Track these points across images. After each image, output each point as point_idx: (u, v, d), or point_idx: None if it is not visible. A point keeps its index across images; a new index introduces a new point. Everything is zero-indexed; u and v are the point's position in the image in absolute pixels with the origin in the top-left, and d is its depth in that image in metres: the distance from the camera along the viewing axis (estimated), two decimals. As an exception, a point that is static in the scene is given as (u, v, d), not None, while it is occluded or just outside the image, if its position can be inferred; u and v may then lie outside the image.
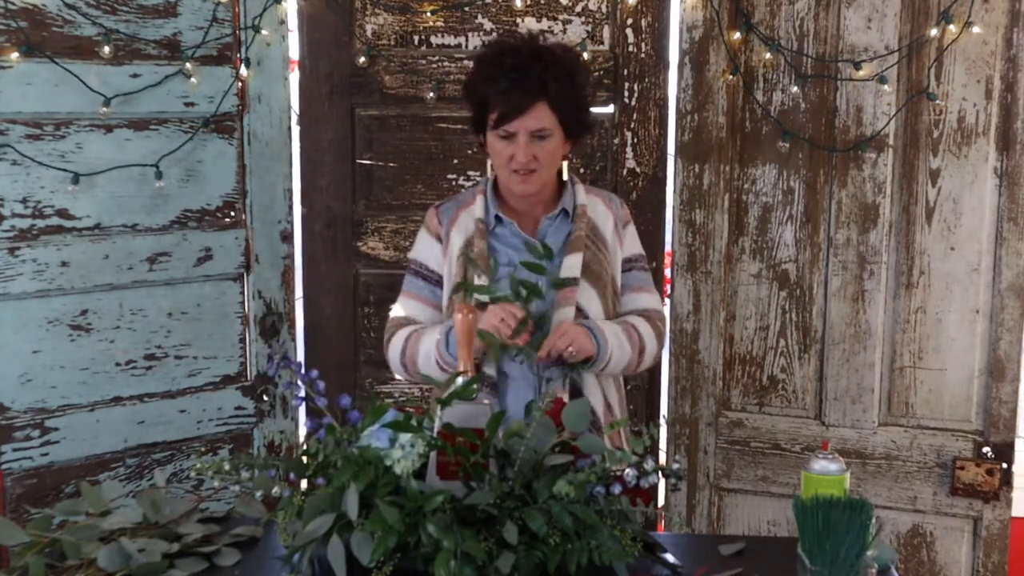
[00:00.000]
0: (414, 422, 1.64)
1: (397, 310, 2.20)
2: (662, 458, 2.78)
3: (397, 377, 2.31)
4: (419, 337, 2.10)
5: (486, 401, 1.71)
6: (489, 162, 2.13)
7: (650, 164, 2.73)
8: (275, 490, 1.69)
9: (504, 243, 2.11)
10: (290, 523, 1.64)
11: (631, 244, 2.22)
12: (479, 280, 2.02)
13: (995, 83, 2.45)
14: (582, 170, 2.75)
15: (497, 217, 2.13)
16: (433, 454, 1.63)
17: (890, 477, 2.60)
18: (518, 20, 2.71)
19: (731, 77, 2.60)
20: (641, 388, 2.78)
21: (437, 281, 2.15)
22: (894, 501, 2.61)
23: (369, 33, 2.74)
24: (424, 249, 2.17)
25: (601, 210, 2.18)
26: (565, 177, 2.16)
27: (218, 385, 2.68)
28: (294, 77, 2.77)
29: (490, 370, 2.03)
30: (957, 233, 2.52)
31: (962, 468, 2.54)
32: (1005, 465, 2.51)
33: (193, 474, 2.63)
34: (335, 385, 2.48)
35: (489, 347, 1.95)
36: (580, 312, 2.05)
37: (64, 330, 2.46)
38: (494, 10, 2.72)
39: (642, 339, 2.09)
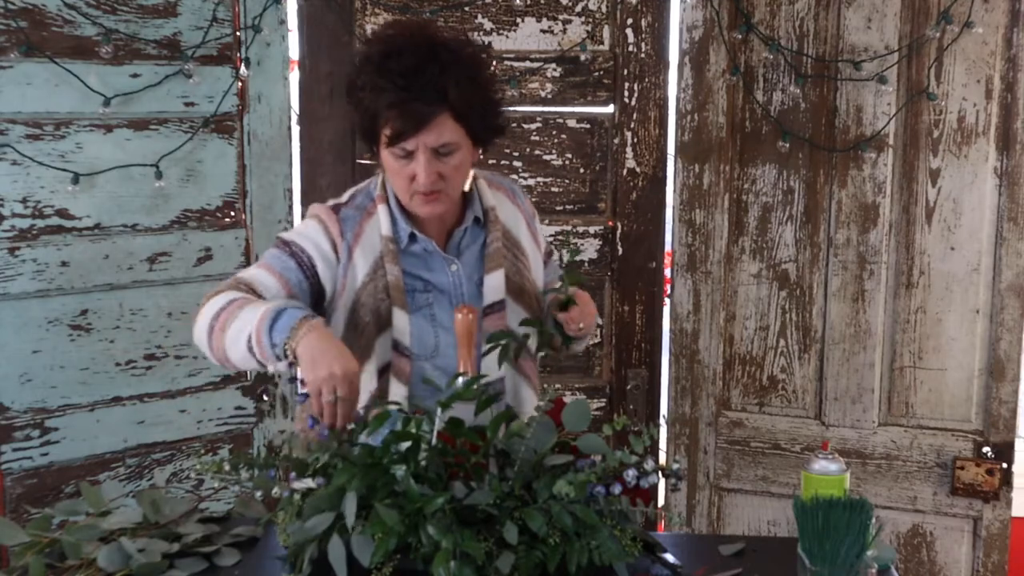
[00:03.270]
0: (414, 427, 1.64)
1: (242, 274, 1.85)
2: (662, 458, 2.78)
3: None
4: (244, 304, 1.73)
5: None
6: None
7: (650, 164, 2.73)
8: (275, 490, 1.69)
9: (418, 265, 1.87)
10: (290, 523, 1.64)
11: (542, 238, 2.06)
12: (412, 316, 1.83)
13: (995, 83, 2.45)
14: (582, 170, 2.75)
15: (412, 235, 1.86)
16: None
17: (890, 477, 2.60)
18: (518, 20, 2.71)
19: (731, 77, 2.60)
20: (641, 388, 2.78)
21: (311, 278, 1.84)
22: (894, 501, 2.61)
23: (369, 33, 2.74)
24: (312, 246, 1.84)
25: (509, 208, 1.96)
26: (467, 187, 1.89)
27: (218, 385, 2.68)
28: (294, 77, 2.77)
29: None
30: (957, 233, 2.52)
31: (962, 468, 2.54)
32: (1005, 465, 2.51)
33: (193, 474, 2.62)
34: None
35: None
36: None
37: (64, 330, 2.46)
38: (494, 10, 2.71)
39: None
